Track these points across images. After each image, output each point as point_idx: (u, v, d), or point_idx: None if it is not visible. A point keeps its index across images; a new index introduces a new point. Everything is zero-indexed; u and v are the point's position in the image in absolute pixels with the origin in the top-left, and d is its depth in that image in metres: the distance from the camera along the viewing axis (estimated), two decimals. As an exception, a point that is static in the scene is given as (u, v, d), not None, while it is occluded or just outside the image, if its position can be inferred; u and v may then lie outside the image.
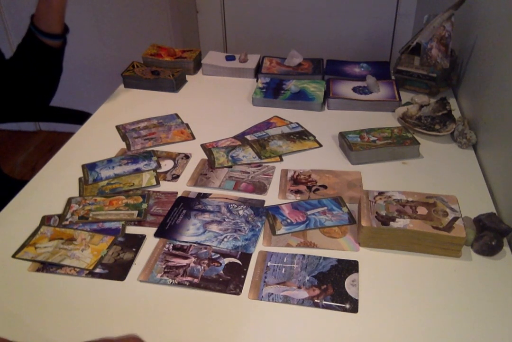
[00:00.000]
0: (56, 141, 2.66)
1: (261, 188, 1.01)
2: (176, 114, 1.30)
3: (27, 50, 1.15)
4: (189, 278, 0.79)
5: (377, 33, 2.27)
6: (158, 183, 1.03)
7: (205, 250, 0.85)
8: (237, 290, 0.77)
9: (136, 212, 0.94)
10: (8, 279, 0.80)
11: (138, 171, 1.06)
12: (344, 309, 0.74)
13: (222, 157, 1.10)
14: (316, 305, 0.75)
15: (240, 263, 0.82)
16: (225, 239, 0.87)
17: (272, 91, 1.36)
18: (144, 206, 0.95)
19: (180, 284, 0.78)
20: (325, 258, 0.83)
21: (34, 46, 1.13)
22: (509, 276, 0.79)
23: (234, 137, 1.19)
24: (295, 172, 1.06)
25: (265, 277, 0.79)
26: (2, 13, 2.35)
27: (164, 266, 0.82)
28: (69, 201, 0.97)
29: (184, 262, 0.82)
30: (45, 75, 1.19)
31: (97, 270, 0.81)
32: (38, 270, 0.82)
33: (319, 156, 1.12)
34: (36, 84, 1.19)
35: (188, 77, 1.50)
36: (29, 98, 1.21)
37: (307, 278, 0.79)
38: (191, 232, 0.89)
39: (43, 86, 1.21)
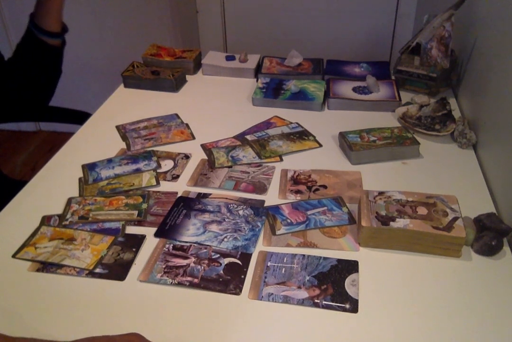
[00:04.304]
0: (56, 141, 2.66)
1: (261, 188, 1.01)
2: (176, 114, 1.30)
3: (26, 49, 1.15)
4: (189, 278, 0.79)
5: (377, 33, 2.27)
6: (158, 183, 1.03)
7: (205, 250, 0.85)
8: (237, 290, 0.77)
9: (136, 212, 0.94)
10: (8, 279, 0.80)
11: (138, 171, 1.06)
12: (344, 309, 0.74)
13: (222, 157, 1.10)
14: (316, 305, 0.75)
15: (240, 263, 0.82)
16: (225, 239, 0.87)
17: (272, 91, 1.36)
18: (144, 206, 0.95)
19: (180, 284, 0.78)
20: (325, 258, 0.83)
21: (33, 44, 1.13)
22: (509, 276, 0.79)
23: (234, 137, 1.19)
24: (295, 172, 1.06)
25: (265, 277, 0.79)
26: (2, 13, 2.35)
27: (164, 266, 0.82)
28: (69, 201, 0.97)
29: (184, 262, 0.83)
30: (44, 75, 1.19)
31: (97, 270, 0.81)
32: (38, 270, 0.82)
33: (319, 156, 1.12)
34: (35, 84, 1.19)
35: (188, 77, 1.50)
36: (28, 98, 1.21)
37: (307, 278, 0.79)
38: (191, 232, 0.89)
39: (42, 86, 1.21)
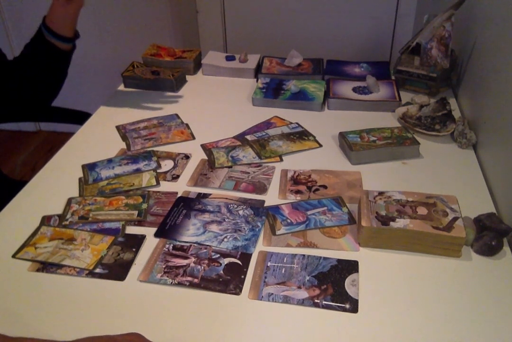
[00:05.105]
0: (56, 141, 2.66)
1: (261, 188, 1.01)
2: (176, 114, 1.30)
3: (35, 50, 1.15)
4: (189, 278, 0.79)
5: (377, 33, 2.27)
6: (158, 183, 1.03)
7: (205, 250, 0.85)
8: (237, 290, 0.77)
9: (136, 212, 0.94)
10: (8, 279, 0.80)
11: (138, 171, 1.06)
12: (344, 309, 0.74)
13: (222, 157, 1.10)
14: (316, 305, 0.75)
15: (240, 263, 0.82)
16: (225, 239, 0.87)
17: (272, 91, 1.36)
18: (144, 206, 0.95)
19: (180, 284, 0.78)
20: (325, 258, 0.83)
21: (43, 47, 1.13)
22: (509, 276, 0.79)
23: (234, 137, 1.19)
24: (295, 172, 1.06)
25: (265, 277, 0.79)
26: (2, 13, 2.35)
27: (164, 266, 0.82)
28: (69, 201, 0.97)
29: (184, 262, 0.83)
30: (48, 77, 1.19)
31: (97, 270, 0.81)
32: (38, 270, 0.82)
33: (319, 156, 1.12)
34: (39, 85, 1.19)
35: (188, 77, 1.50)
36: (30, 99, 1.21)
37: (307, 278, 0.79)
38: (191, 232, 0.89)
39: (46, 87, 1.21)
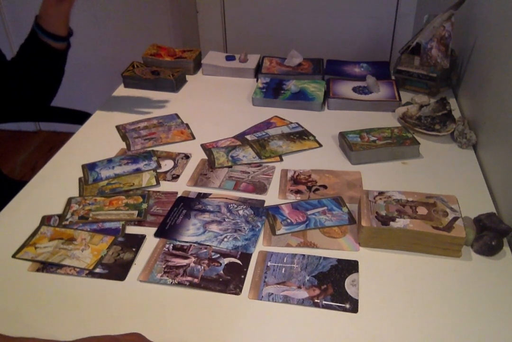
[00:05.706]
0: (56, 141, 2.66)
1: (261, 188, 1.01)
2: (176, 114, 1.30)
3: (30, 50, 1.15)
4: (189, 278, 0.79)
5: (377, 33, 2.27)
6: (158, 183, 1.03)
7: (205, 250, 0.85)
8: (237, 290, 0.77)
9: (136, 212, 0.94)
10: (8, 279, 0.80)
11: (138, 171, 1.06)
12: (344, 309, 0.74)
13: (222, 157, 1.10)
14: (316, 305, 0.75)
15: (240, 263, 0.82)
16: (225, 239, 0.87)
17: (272, 91, 1.36)
18: (144, 206, 0.95)
19: (180, 284, 0.78)
20: (325, 258, 0.83)
21: (37, 47, 1.13)
22: (509, 276, 0.79)
23: (234, 137, 1.19)
24: (295, 172, 1.06)
25: (265, 277, 0.79)
26: (2, 13, 2.35)
27: (164, 266, 0.82)
28: (69, 201, 0.97)
29: (184, 262, 0.83)
30: (47, 76, 1.19)
31: (97, 270, 0.81)
32: (38, 270, 0.82)
33: (319, 156, 1.12)
34: (37, 85, 1.19)
35: (188, 77, 1.50)
36: (29, 99, 1.21)
37: (307, 278, 0.79)
38: (191, 232, 0.89)
39: (44, 86, 1.21)
